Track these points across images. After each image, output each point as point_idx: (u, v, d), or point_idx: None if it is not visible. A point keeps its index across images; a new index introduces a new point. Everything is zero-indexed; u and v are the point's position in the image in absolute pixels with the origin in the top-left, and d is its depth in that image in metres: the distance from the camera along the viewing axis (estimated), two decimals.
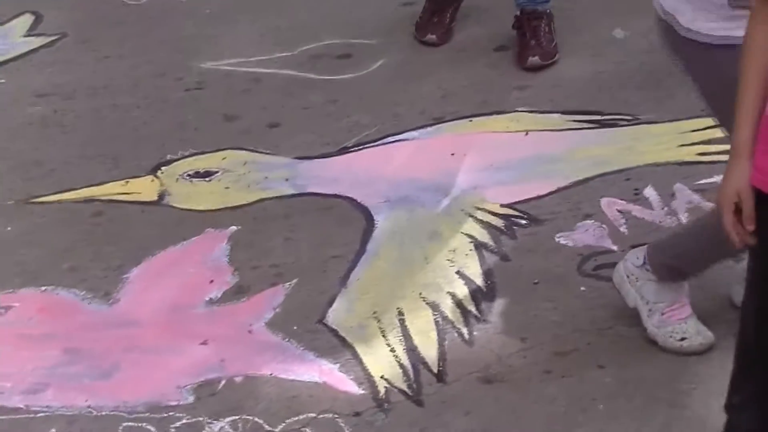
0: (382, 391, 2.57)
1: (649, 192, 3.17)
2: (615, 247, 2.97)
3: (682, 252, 2.60)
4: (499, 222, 3.10)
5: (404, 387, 2.57)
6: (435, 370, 2.61)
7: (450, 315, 2.77)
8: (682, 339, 2.59)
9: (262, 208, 3.22)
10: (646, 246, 2.66)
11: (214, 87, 3.83)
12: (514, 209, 3.15)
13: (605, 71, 3.82)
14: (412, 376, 2.60)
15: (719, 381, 2.42)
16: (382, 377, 2.60)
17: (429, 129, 3.54)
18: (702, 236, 2.55)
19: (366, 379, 2.60)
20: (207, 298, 2.86)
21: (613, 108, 3.59)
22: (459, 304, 2.81)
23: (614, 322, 2.70)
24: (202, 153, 3.46)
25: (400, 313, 2.78)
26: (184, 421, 2.52)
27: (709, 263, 2.59)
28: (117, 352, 2.70)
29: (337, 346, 2.69)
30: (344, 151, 3.46)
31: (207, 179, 3.34)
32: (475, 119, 3.59)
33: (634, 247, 2.92)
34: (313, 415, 2.52)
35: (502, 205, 3.16)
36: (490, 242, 3.02)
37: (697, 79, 2.39)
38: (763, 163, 1.87)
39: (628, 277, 2.63)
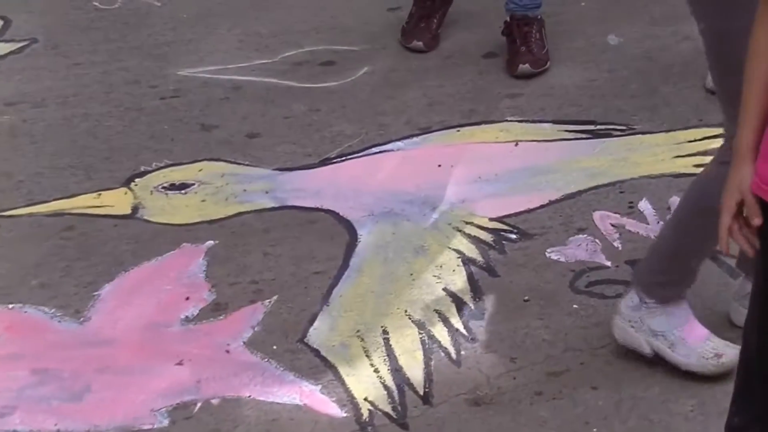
0: (366, 413, 2.56)
1: (644, 205, 3.17)
2: (608, 263, 2.97)
3: (665, 261, 2.58)
4: (487, 236, 3.10)
5: (389, 410, 2.56)
6: (421, 392, 2.60)
7: (437, 334, 2.76)
8: (717, 355, 2.54)
9: (241, 222, 3.21)
10: (633, 286, 2.64)
11: (190, 95, 3.83)
12: (504, 223, 3.15)
13: (598, 79, 3.82)
14: (397, 398, 2.59)
15: (719, 403, 2.43)
16: (365, 399, 2.59)
17: (415, 139, 3.55)
18: (677, 235, 2.55)
19: (349, 401, 2.59)
20: (183, 316, 2.85)
21: (607, 117, 3.60)
22: (446, 322, 2.80)
23: (608, 341, 2.70)
24: (178, 164, 3.45)
25: (385, 332, 2.77)
26: None
27: (694, 262, 2.55)
28: (88, 372, 2.69)
29: (319, 366, 2.68)
30: (327, 162, 3.46)
31: (183, 192, 3.33)
32: (463, 129, 3.59)
33: (628, 262, 2.93)
34: None
35: (491, 219, 3.16)
36: (479, 258, 3.01)
37: (700, 18, 2.35)
38: (764, 169, 1.87)
39: (632, 325, 2.59)
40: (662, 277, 2.58)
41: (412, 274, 2.97)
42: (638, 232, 3.07)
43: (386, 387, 2.62)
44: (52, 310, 2.88)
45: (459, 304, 2.86)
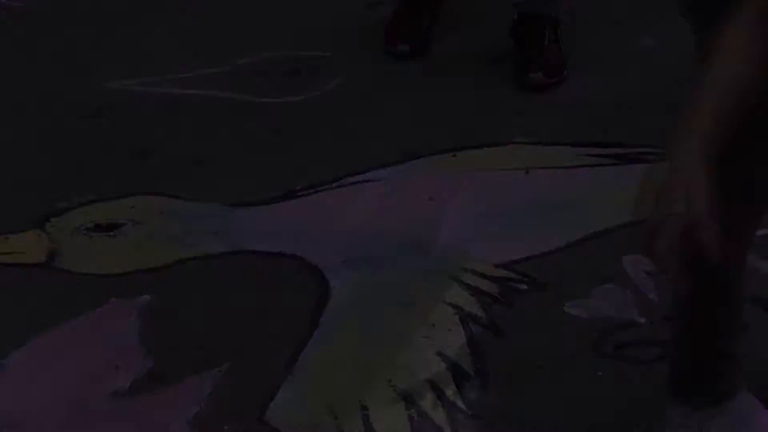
0: None
1: None
2: (642, 320, 2.98)
3: (693, 362, 2.54)
4: (491, 287, 3.11)
5: None
6: None
7: (429, 410, 2.78)
8: None
9: (184, 270, 3.23)
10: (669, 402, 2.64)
11: (120, 113, 3.84)
12: (512, 270, 3.17)
13: (628, 91, 3.85)
14: None
15: None
16: None
17: (400, 167, 3.56)
18: (694, 337, 2.52)
19: None
20: (111, 390, 2.86)
21: (639, 138, 3.62)
22: (440, 394, 2.82)
23: (644, 418, 2.71)
24: (105, 200, 3.46)
25: (364, 408, 2.79)
26: None
27: (728, 346, 2.53)
28: None
29: None
30: (291, 195, 3.48)
31: (111, 234, 3.34)
32: (459, 153, 3.61)
33: (666, 318, 2.94)
34: None
35: (495, 266, 3.18)
36: (480, 314, 3.03)
37: None
38: None
39: None
40: (701, 378, 2.54)
41: (397, 335, 2.98)
42: None
43: None
44: None
45: (456, 371, 2.87)
